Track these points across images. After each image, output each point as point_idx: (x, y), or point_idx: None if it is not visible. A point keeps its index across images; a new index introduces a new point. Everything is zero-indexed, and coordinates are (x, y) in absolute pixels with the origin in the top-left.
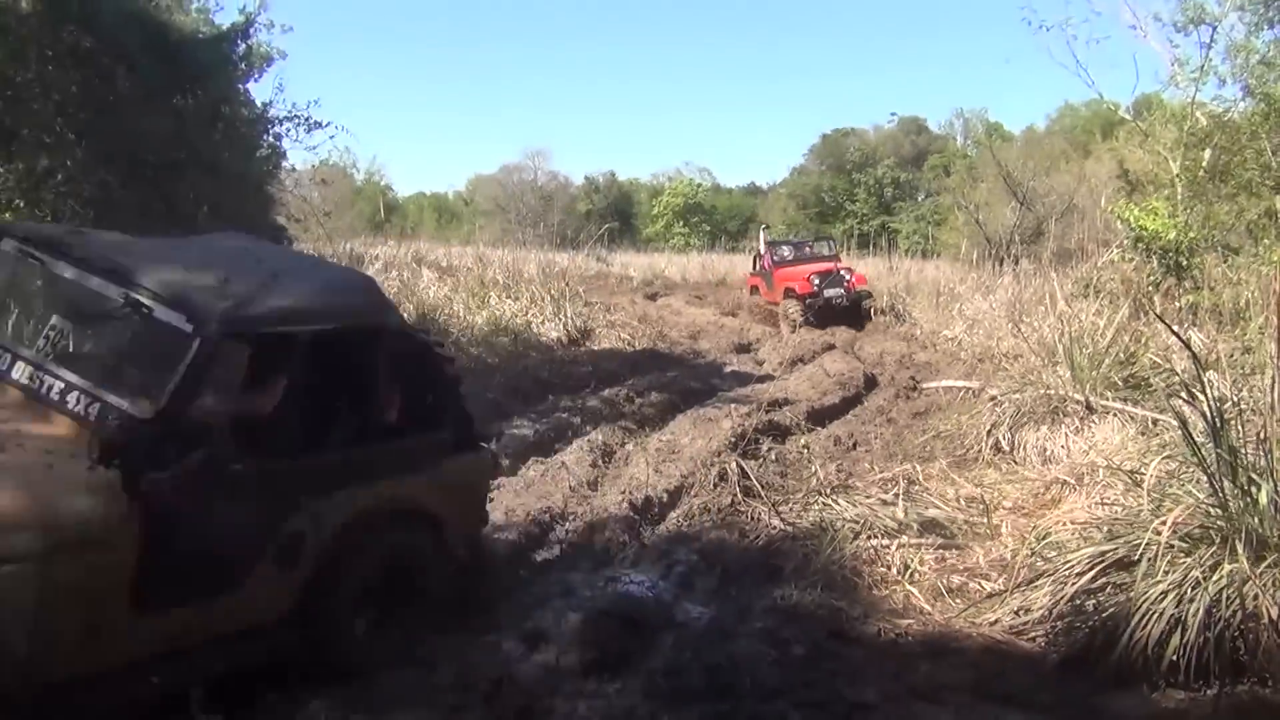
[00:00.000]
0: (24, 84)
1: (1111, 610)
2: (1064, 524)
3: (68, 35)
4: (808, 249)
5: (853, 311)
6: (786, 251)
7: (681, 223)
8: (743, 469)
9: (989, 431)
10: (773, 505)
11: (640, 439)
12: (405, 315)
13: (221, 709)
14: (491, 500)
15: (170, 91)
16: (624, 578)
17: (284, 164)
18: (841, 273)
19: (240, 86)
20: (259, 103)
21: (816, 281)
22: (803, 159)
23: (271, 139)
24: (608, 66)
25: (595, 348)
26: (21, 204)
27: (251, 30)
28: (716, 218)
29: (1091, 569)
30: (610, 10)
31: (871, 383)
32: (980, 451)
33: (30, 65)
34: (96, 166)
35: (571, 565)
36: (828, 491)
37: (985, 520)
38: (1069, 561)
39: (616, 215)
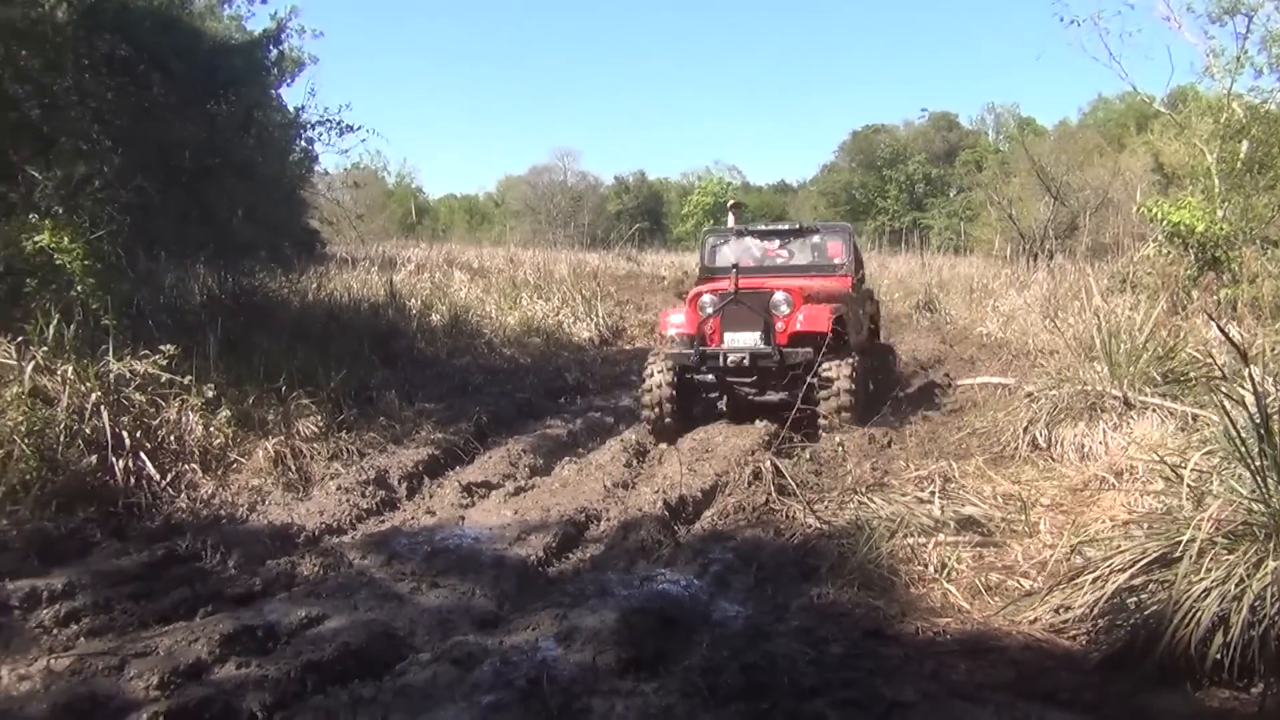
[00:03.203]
0: (61, 92)
1: (1153, 608)
2: (1103, 521)
3: (103, 43)
4: (778, 247)
5: (793, 388)
6: (727, 248)
7: (712, 221)
8: (777, 467)
9: (1025, 428)
10: (808, 503)
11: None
12: (439, 316)
13: None
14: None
15: (204, 98)
16: (659, 576)
17: (316, 168)
18: (776, 297)
19: (272, 92)
20: (291, 107)
21: (708, 309)
22: (833, 156)
23: (304, 143)
24: (637, 68)
25: (627, 347)
26: (60, 211)
27: (283, 36)
28: (747, 216)
29: (1132, 566)
30: (638, 15)
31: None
32: (1017, 448)
33: (67, 73)
34: (133, 173)
35: (607, 564)
36: (863, 489)
37: (1023, 517)
38: (1109, 558)
39: (646, 215)
